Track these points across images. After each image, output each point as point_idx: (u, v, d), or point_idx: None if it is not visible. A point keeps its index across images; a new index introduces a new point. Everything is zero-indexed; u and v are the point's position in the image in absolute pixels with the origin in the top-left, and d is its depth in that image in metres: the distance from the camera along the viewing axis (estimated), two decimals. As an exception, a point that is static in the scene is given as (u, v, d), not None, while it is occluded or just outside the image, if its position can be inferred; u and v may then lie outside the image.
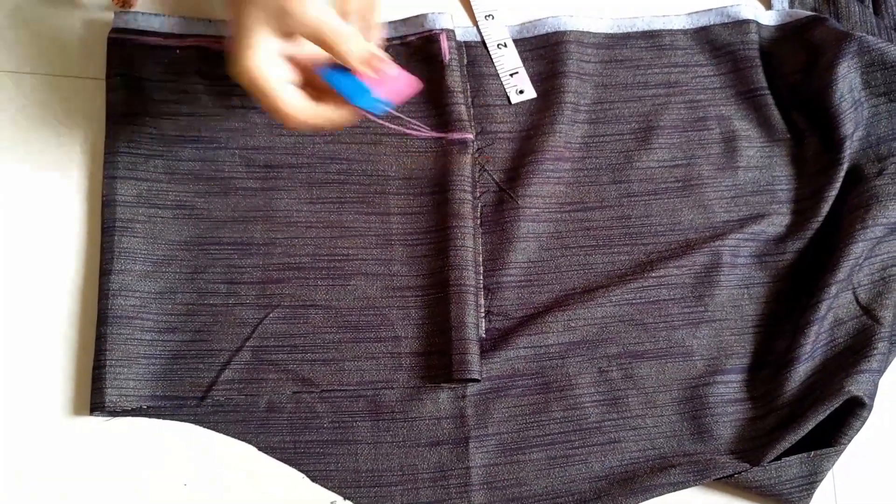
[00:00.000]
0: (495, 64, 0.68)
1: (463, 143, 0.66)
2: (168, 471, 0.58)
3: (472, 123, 0.68)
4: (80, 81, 0.66)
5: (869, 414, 0.60)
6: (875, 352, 0.61)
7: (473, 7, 0.70)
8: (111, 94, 0.65)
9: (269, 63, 0.51)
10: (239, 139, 0.65)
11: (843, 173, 0.67)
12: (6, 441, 0.57)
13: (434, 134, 0.67)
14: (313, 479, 0.58)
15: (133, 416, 0.58)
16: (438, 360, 0.61)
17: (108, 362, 0.58)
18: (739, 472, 0.59)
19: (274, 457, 0.58)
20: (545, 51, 0.70)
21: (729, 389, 0.63)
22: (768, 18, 0.73)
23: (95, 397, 0.58)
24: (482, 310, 0.63)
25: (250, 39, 0.51)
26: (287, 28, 0.51)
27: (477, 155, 0.67)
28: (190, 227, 0.63)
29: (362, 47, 0.51)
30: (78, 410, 0.59)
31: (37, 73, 0.65)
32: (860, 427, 0.60)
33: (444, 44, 0.68)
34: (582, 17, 0.71)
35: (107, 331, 0.59)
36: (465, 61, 0.69)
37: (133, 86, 0.65)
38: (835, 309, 0.64)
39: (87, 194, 0.63)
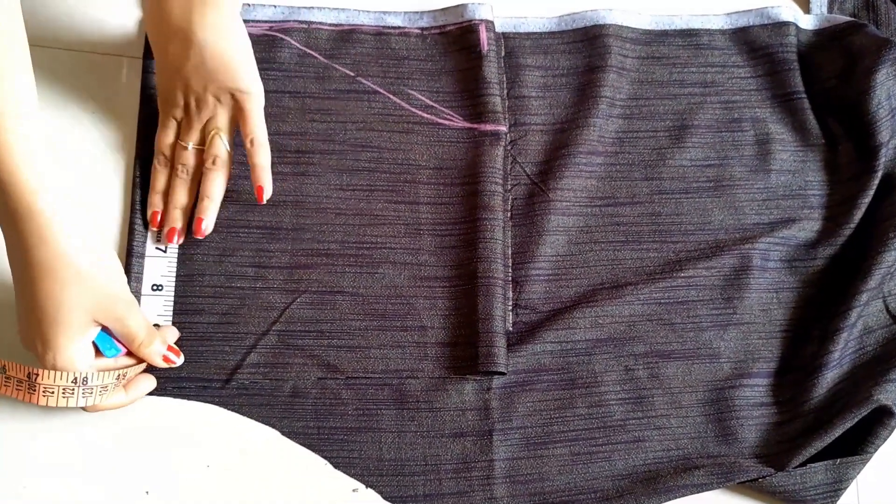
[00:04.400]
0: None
1: (496, 135, 0.66)
2: (191, 452, 0.57)
3: (506, 115, 0.67)
4: (117, 60, 0.66)
5: (897, 423, 0.59)
6: (905, 361, 0.61)
7: None
8: (147, 75, 0.65)
9: (84, 352, 0.52)
10: (271, 124, 0.65)
11: (877, 181, 0.66)
12: (30, 418, 0.57)
13: (466, 124, 0.67)
14: (336, 466, 0.58)
15: (157, 396, 0.58)
16: (464, 352, 0.61)
17: (133, 342, 0.59)
18: (763, 477, 0.59)
19: (297, 442, 0.58)
20: (583, 44, 0.70)
21: (755, 393, 0.62)
22: (806, 23, 0.72)
23: (120, 376, 0.58)
24: (510, 303, 0.63)
25: (71, 324, 0.50)
26: (108, 320, 0.52)
27: (509, 147, 0.67)
28: (219, 209, 0.63)
29: (159, 349, 0.56)
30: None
31: (73, 49, 0.65)
32: (887, 436, 0.60)
33: (483, 34, 0.68)
34: (621, 11, 0.70)
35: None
36: (503, 52, 0.69)
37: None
38: (865, 317, 0.64)
39: (121, 175, 0.63)
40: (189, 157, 0.61)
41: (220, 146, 0.60)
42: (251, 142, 0.60)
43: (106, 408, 0.54)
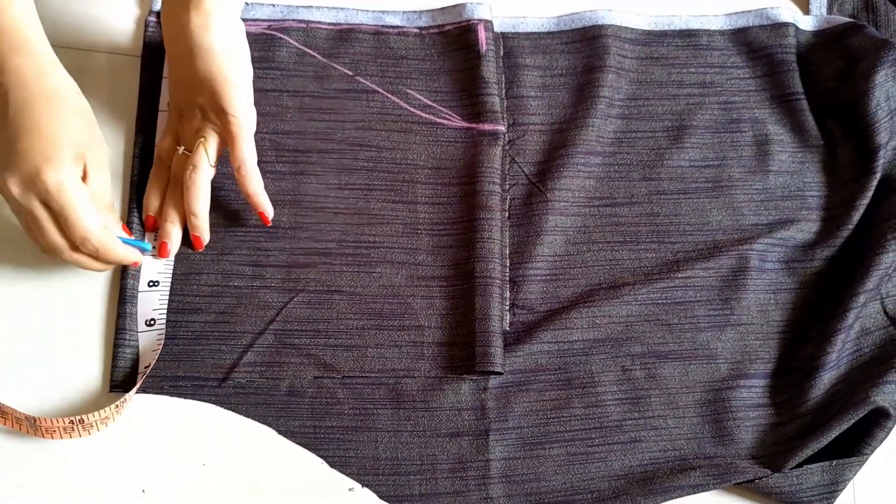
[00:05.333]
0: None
1: (494, 135, 0.66)
2: (187, 451, 0.57)
3: (505, 115, 0.67)
4: (115, 58, 0.66)
5: (894, 425, 0.59)
6: (902, 363, 0.61)
7: None
8: (145, 73, 0.65)
9: (75, 173, 0.53)
10: (270, 123, 0.65)
11: (875, 182, 0.66)
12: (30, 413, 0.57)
13: (465, 124, 0.67)
14: (332, 465, 0.58)
15: (153, 394, 0.58)
16: (461, 352, 0.61)
17: (128, 341, 0.59)
18: (760, 478, 0.58)
19: (294, 441, 0.58)
20: (582, 44, 0.70)
21: (752, 394, 0.62)
22: (806, 24, 0.72)
23: (115, 376, 0.58)
24: (507, 302, 0.63)
25: (70, 145, 0.52)
26: (90, 160, 0.54)
27: (508, 146, 0.67)
28: (216, 208, 0.63)
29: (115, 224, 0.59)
30: (105, 389, 0.58)
31: (72, 47, 0.65)
32: (884, 438, 0.60)
33: (482, 34, 0.68)
34: (620, 12, 0.70)
35: (128, 310, 0.59)
36: (502, 52, 0.69)
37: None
38: (862, 318, 0.64)
39: (118, 173, 0.63)
40: (178, 167, 0.61)
41: (200, 157, 0.59)
42: (238, 170, 0.59)
43: (106, 245, 0.55)
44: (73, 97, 0.54)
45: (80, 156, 0.53)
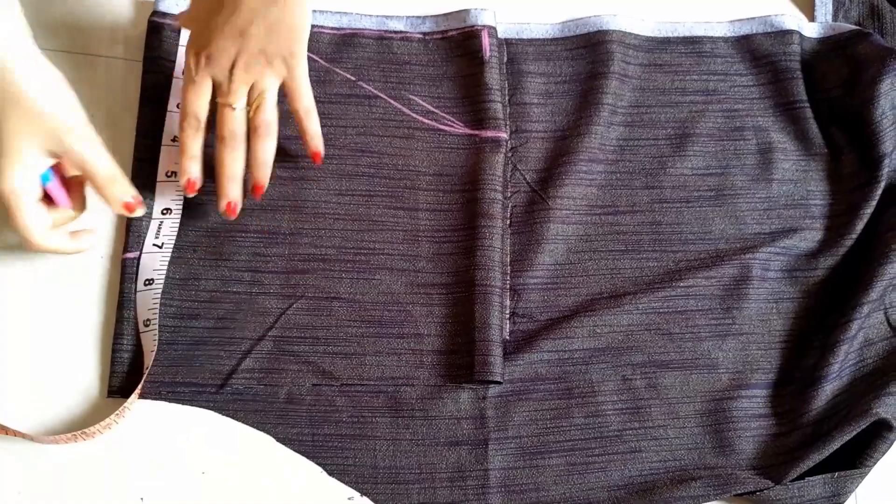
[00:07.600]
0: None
1: (496, 142, 0.65)
2: (185, 458, 0.57)
3: (508, 122, 0.67)
4: (116, 62, 0.66)
5: (896, 437, 0.59)
6: (905, 374, 0.60)
7: None
8: (147, 77, 0.65)
9: (26, 180, 0.51)
10: (271, 127, 0.65)
11: (879, 191, 0.66)
12: (28, 421, 0.57)
13: (467, 131, 0.66)
14: (331, 473, 0.58)
15: (151, 400, 0.58)
16: (460, 360, 0.60)
17: (126, 346, 0.58)
18: (761, 489, 0.58)
19: (292, 449, 0.58)
20: (586, 50, 0.69)
21: (753, 404, 0.62)
22: (811, 31, 0.72)
23: (113, 381, 0.58)
24: (507, 311, 0.63)
25: (12, 150, 0.50)
26: (54, 151, 0.52)
27: (510, 154, 0.67)
28: (216, 213, 0.62)
29: (123, 192, 0.55)
30: (102, 394, 0.58)
31: (73, 51, 0.65)
32: (886, 450, 0.59)
33: (486, 40, 0.67)
34: (625, 17, 0.70)
35: (125, 314, 0.59)
36: (505, 58, 0.69)
37: (169, 70, 0.65)
38: (865, 329, 0.63)
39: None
40: (237, 122, 0.58)
41: (270, 111, 0.59)
42: (307, 112, 0.60)
43: (50, 249, 0.54)
44: (25, 85, 0.49)
45: (36, 151, 0.51)
